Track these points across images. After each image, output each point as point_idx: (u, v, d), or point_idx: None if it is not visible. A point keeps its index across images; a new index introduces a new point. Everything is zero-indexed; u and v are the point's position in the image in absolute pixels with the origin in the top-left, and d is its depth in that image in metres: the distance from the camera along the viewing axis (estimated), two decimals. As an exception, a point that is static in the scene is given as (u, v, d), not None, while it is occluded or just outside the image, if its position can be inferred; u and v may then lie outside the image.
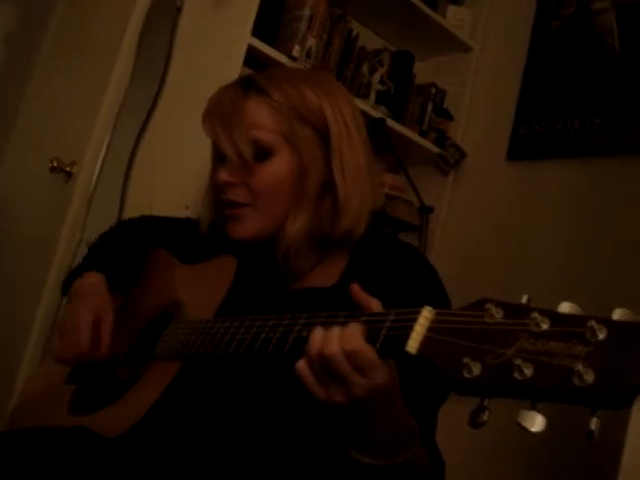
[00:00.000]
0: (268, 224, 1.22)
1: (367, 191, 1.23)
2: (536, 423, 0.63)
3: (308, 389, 0.86)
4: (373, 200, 1.25)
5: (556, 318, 0.63)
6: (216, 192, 1.27)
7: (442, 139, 2.75)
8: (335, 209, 1.21)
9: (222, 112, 1.21)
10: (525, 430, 0.63)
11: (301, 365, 0.86)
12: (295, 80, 1.24)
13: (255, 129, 1.19)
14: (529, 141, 2.55)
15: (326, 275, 1.24)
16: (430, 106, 2.78)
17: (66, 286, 1.41)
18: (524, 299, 0.68)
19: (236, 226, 1.23)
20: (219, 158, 1.26)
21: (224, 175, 1.21)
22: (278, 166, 1.20)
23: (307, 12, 2.29)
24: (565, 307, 0.64)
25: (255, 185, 1.20)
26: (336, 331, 0.84)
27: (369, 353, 0.81)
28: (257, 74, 1.28)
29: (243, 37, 2.06)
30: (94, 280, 1.34)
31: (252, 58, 2.11)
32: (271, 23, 2.26)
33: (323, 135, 1.21)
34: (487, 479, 2.21)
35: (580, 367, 0.59)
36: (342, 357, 0.82)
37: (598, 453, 1.73)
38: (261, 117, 1.20)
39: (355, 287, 0.89)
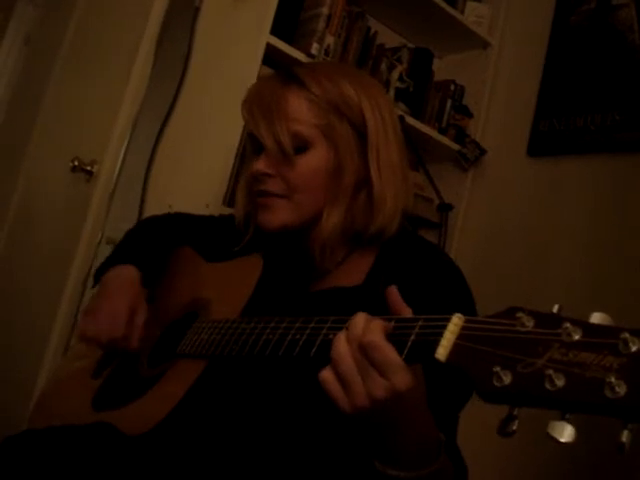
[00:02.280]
0: (300, 217, 1.22)
1: (401, 190, 1.23)
2: (565, 434, 0.62)
3: (333, 400, 0.84)
4: (406, 199, 1.25)
5: (588, 329, 0.63)
6: (251, 183, 1.27)
7: (461, 136, 2.74)
8: (370, 206, 1.21)
9: (262, 103, 1.21)
10: (554, 440, 0.62)
11: (325, 374, 0.84)
12: (334, 75, 1.23)
13: (294, 122, 1.19)
14: (549, 137, 2.54)
15: (352, 273, 1.23)
16: (449, 103, 2.77)
17: (98, 276, 1.42)
18: (555, 308, 0.68)
19: (268, 215, 1.23)
20: (255, 149, 1.26)
21: (260, 165, 1.21)
22: (315, 160, 1.20)
23: (325, 10, 2.28)
24: (597, 317, 0.64)
25: (292, 178, 1.20)
26: (359, 328, 0.83)
27: (386, 348, 0.80)
28: (297, 67, 1.28)
29: (262, 35, 2.06)
30: (130, 274, 1.35)
31: (271, 56, 2.11)
32: (289, 21, 2.25)
33: (360, 131, 1.21)
34: None
35: (612, 379, 0.58)
36: (357, 350, 0.81)
37: (623, 463, 1.72)
38: (300, 110, 1.19)
39: (393, 290, 0.88)
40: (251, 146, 1.30)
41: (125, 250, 1.45)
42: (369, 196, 1.21)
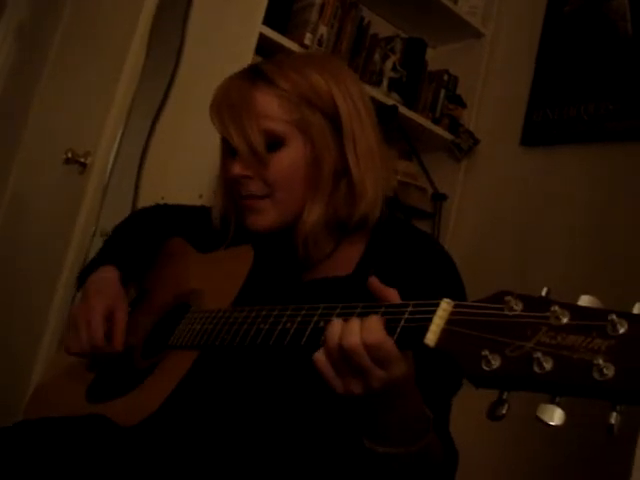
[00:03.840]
0: (286, 214, 1.22)
1: (381, 174, 1.23)
2: (555, 417, 0.62)
3: (326, 380, 0.85)
4: (387, 183, 1.25)
5: (576, 311, 0.63)
6: (230, 186, 1.27)
7: (455, 126, 2.74)
8: (351, 194, 1.20)
9: (230, 104, 1.20)
10: (544, 424, 0.63)
11: (319, 356, 0.85)
12: (302, 66, 1.23)
13: (265, 120, 1.18)
14: (542, 127, 2.54)
15: (342, 263, 1.24)
16: (443, 93, 2.77)
17: (81, 279, 1.41)
18: (544, 292, 0.68)
19: (255, 218, 1.23)
20: (229, 152, 1.25)
21: (237, 169, 1.21)
22: (291, 155, 1.19)
23: (318, 0, 2.28)
24: (585, 300, 0.64)
25: (270, 176, 1.19)
26: (356, 323, 0.83)
27: (391, 347, 0.80)
28: (263, 62, 1.27)
29: (254, 26, 2.06)
30: (108, 275, 1.33)
31: (264, 47, 2.10)
32: (282, 12, 2.25)
33: (334, 120, 1.20)
34: (501, 470, 2.22)
35: (600, 361, 0.58)
36: (363, 350, 0.81)
37: (612, 446, 1.73)
38: (271, 107, 1.19)
39: (373, 280, 0.88)
40: (225, 149, 1.29)
41: (108, 249, 1.44)
42: (349, 185, 1.21)
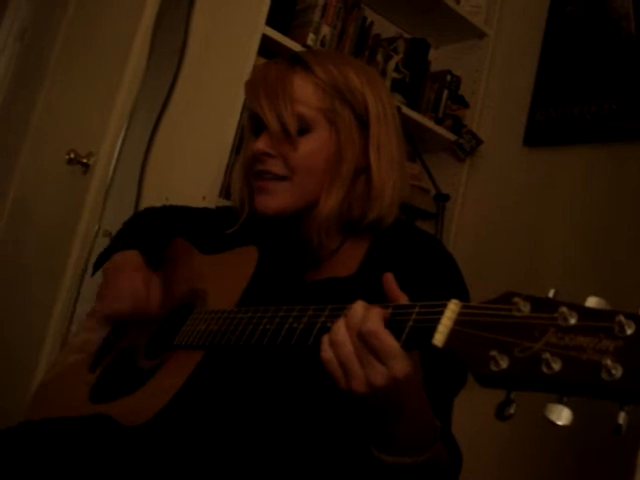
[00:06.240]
0: (298, 201, 1.22)
1: (399, 181, 1.24)
2: (563, 417, 0.63)
3: (329, 372, 0.85)
4: (403, 191, 1.26)
5: (584, 312, 0.63)
6: (249, 165, 1.27)
7: (458, 126, 2.73)
8: (368, 194, 1.22)
9: (267, 83, 1.22)
10: (552, 423, 0.63)
11: (327, 353, 0.86)
12: (340, 63, 1.25)
13: (298, 103, 1.19)
14: (546, 127, 2.54)
15: (345, 263, 1.24)
16: (445, 93, 2.77)
17: (97, 267, 1.44)
18: (551, 293, 0.68)
19: (265, 199, 1.23)
20: (255, 130, 1.26)
21: (261, 145, 1.21)
22: (317, 142, 1.20)
23: (321, 1, 2.28)
24: (593, 302, 0.64)
25: (293, 158, 1.20)
26: (359, 312, 0.84)
27: (384, 335, 0.81)
28: (304, 52, 1.31)
29: (257, 26, 2.06)
30: (135, 255, 1.39)
31: (266, 47, 2.10)
32: (285, 12, 2.25)
33: (362, 119, 1.22)
34: (506, 471, 2.21)
35: (608, 362, 0.58)
36: (356, 337, 0.82)
37: (618, 445, 1.73)
38: (305, 93, 1.20)
39: (389, 276, 0.89)
40: (251, 126, 1.29)
41: (124, 238, 1.46)
42: (367, 184, 1.22)
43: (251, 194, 1.29)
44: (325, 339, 0.86)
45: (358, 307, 0.85)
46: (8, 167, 2.84)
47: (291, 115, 1.18)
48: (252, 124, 1.28)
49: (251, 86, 1.25)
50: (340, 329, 0.85)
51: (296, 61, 1.24)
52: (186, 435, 1.10)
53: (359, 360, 0.82)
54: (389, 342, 0.80)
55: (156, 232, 1.49)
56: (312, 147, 1.20)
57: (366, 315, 0.83)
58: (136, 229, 1.51)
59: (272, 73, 1.23)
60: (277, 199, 1.22)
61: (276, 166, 1.21)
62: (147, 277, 1.34)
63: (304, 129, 1.20)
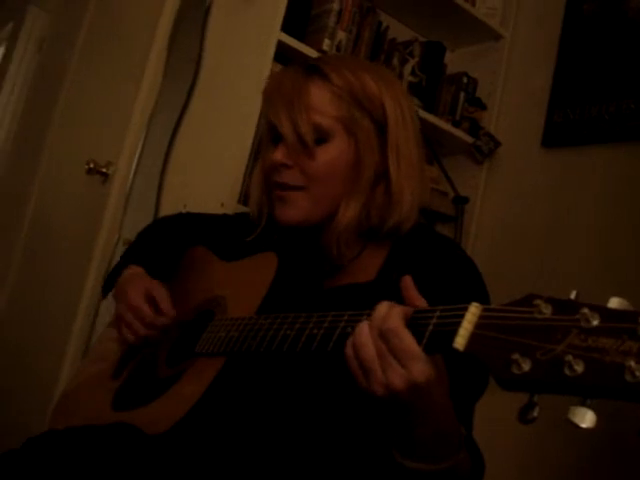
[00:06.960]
0: (317, 210, 1.21)
1: (418, 186, 1.23)
2: (587, 419, 0.62)
3: (353, 375, 0.85)
4: (423, 196, 1.25)
5: (606, 314, 0.62)
6: (267, 175, 1.26)
7: (475, 128, 2.72)
8: (387, 201, 1.20)
9: (283, 92, 1.21)
10: (575, 426, 0.62)
11: (349, 351, 0.86)
12: (357, 69, 1.23)
13: (315, 113, 1.18)
14: (564, 128, 2.52)
15: (364, 269, 1.23)
16: (462, 96, 2.75)
17: (106, 286, 1.43)
18: (573, 295, 0.67)
19: (285, 209, 1.22)
20: (273, 139, 1.26)
21: (279, 155, 1.20)
22: (335, 152, 1.19)
23: (336, 6, 2.28)
24: (615, 302, 0.63)
25: (310, 169, 1.19)
26: (381, 312, 0.84)
27: (405, 335, 0.80)
28: (320, 58, 1.29)
29: (273, 33, 2.06)
30: (137, 270, 1.38)
31: (282, 53, 2.11)
32: (300, 18, 2.25)
33: (380, 126, 1.21)
34: (527, 471, 2.20)
35: (632, 363, 0.58)
36: (378, 337, 0.82)
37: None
38: (322, 101, 1.19)
39: (408, 279, 0.88)
40: (269, 136, 1.29)
41: (132, 254, 1.47)
42: (387, 191, 1.21)
43: (270, 202, 1.28)
44: (349, 340, 0.86)
45: (382, 307, 0.85)
46: (28, 178, 2.86)
47: (307, 125, 1.17)
48: (270, 133, 1.28)
49: (267, 95, 1.25)
50: (363, 330, 0.85)
51: (312, 69, 1.23)
52: (208, 442, 1.11)
53: (380, 363, 0.82)
54: (408, 341, 0.80)
55: (168, 243, 1.50)
56: (330, 156, 1.19)
57: (388, 313, 0.83)
58: (145, 244, 1.51)
59: (288, 82, 1.22)
60: (297, 209, 1.21)
61: (294, 177, 1.21)
62: (146, 285, 1.32)
63: (322, 138, 1.19)
